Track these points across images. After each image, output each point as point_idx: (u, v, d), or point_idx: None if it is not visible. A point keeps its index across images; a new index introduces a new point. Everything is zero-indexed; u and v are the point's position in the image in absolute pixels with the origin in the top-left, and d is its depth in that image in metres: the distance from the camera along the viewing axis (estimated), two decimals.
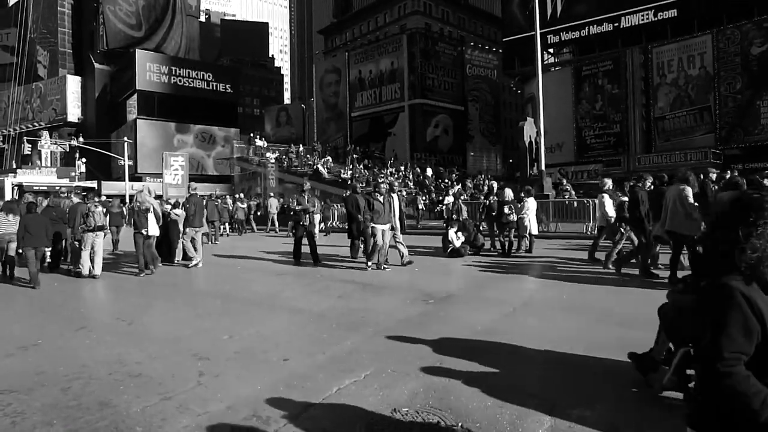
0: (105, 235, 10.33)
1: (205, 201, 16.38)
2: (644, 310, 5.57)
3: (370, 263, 9.35)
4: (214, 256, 12.76)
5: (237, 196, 24.39)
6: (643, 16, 35.38)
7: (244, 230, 22.33)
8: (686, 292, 3.22)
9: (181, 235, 11.24)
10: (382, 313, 5.89)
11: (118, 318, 5.97)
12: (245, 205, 22.83)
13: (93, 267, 9.64)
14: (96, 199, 10.90)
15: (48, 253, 10.64)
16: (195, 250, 10.84)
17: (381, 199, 9.46)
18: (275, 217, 20.44)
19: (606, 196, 9.39)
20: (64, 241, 11.30)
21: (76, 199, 11.36)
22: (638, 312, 5.53)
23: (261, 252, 13.37)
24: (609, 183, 9.69)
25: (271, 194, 25.49)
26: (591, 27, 37.52)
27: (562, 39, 40.14)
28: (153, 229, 9.97)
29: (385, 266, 9.25)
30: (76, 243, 10.02)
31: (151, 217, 9.94)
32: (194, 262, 10.70)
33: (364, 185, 29.17)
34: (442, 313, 5.84)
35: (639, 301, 6.10)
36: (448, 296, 6.76)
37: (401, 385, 3.62)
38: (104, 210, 10.71)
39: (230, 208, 21.44)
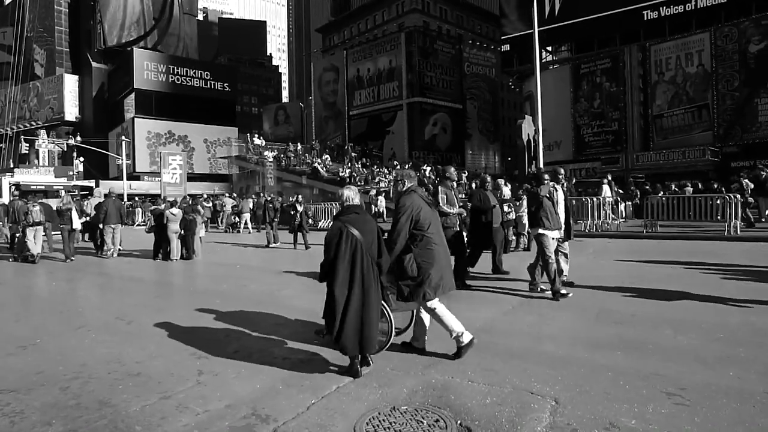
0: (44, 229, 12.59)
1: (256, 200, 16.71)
2: (642, 309, 5.60)
3: (543, 286, 6.59)
4: (211, 255, 12.75)
5: (205, 195, 25.80)
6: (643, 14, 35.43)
7: (209, 228, 24.25)
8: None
9: (103, 230, 12.94)
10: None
11: (117, 317, 5.96)
12: (210, 204, 24.53)
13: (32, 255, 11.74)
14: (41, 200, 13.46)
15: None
16: (111, 241, 12.77)
17: (552, 193, 6.61)
18: (229, 215, 23.23)
19: None
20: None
21: (67, 199, 13.19)
22: (637, 311, 5.55)
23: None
24: None
25: (226, 194, 28.68)
26: (589, 24, 37.53)
27: (561, 37, 40.16)
28: (75, 223, 12.31)
29: (564, 291, 6.26)
30: (19, 235, 12.21)
31: (74, 214, 12.22)
32: (109, 253, 12.59)
33: (362, 184, 29.21)
34: None
35: (637, 300, 6.12)
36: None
37: (400, 383, 3.62)
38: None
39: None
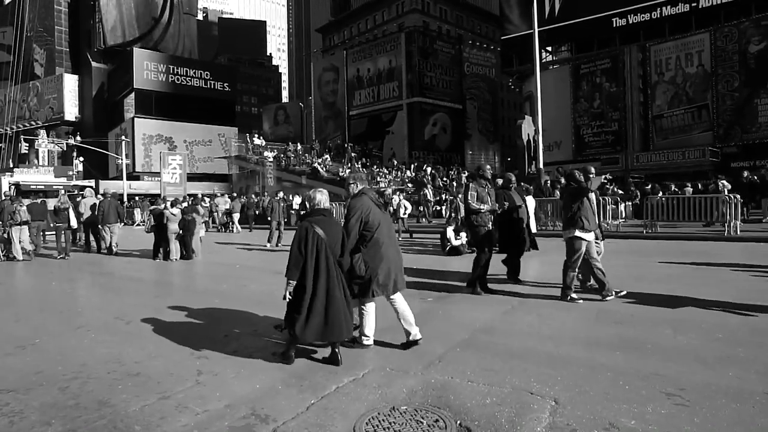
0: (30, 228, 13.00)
1: (273, 200, 17.35)
2: (642, 309, 5.60)
3: (611, 295, 6.05)
4: (211, 255, 12.75)
5: (200, 195, 26.26)
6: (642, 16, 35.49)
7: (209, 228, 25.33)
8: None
9: (101, 230, 13.55)
10: (380, 311, 5.86)
11: (117, 317, 5.96)
12: (207, 204, 24.86)
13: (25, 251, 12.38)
14: (22, 199, 13.80)
15: None
16: (112, 240, 13.38)
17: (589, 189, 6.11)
18: (221, 215, 23.84)
19: None
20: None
21: (64, 198, 13.83)
22: (636, 311, 5.55)
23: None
24: None
25: (218, 194, 29.94)
26: (589, 25, 37.53)
27: (561, 37, 40.14)
28: (73, 222, 12.92)
29: (575, 296, 6.13)
30: (5, 235, 12.48)
31: (71, 213, 12.90)
32: (114, 250, 13.21)
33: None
34: (440, 311, 5.84)
35: (637, 300, 6.12)
36: (446, 294, 6.76)
37: (400, 384, 3.62)
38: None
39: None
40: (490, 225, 6.76)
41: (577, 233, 5.93)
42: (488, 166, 7.41)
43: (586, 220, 5.88)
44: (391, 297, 4.42)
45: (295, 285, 3.97)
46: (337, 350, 4.04)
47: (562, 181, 20.40)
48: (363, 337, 4.46)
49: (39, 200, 15.34)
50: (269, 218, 15.51)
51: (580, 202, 5.94)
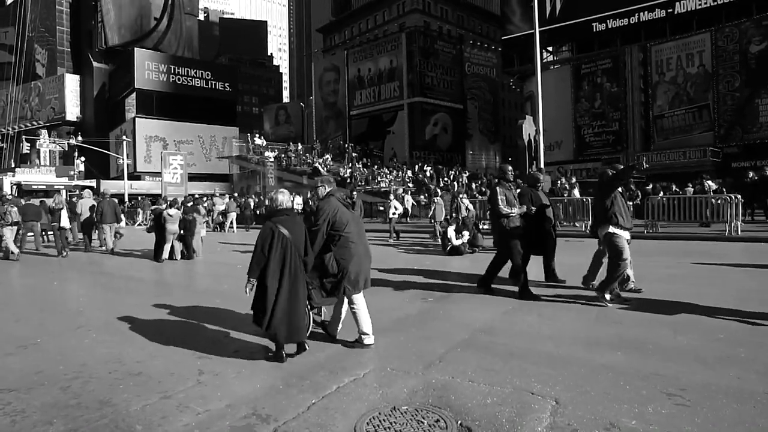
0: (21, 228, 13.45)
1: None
2: (642, 309, 5.59)
3: (608, 295, 5.87)
4: (212, 255, 12.76)
5: (196, 195, 26.33)
6: (642, 15, 35.49)
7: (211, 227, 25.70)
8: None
9: (99, 229, 13.87)
10: (381, 311, 5.87)
11: (117, 317, 5.96)
12: (206, 204, 25.16)
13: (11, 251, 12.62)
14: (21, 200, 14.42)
15: None
16: (107, 239, 13.62)
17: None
18: (217, 214, 24.01)
19: None
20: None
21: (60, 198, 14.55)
22: (636, 311, 5.55)
23: None
24: None
25: (218, 194, 30.21)
26: (590, 25, 37.49)
27: (561, 37, 40.10)
28: (64, 222, 13.23)
29: (607, 297, 5.86)
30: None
31: (64, 213, 13.22)
32: (110, 245, 13.43)
33: (363, 184, 29.19)
34: (441, 311, 5.84)
35: (637, 300, 6.12)
36: (447, 294, 6.76)
37: (401, 384, 3.63)
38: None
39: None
40: (515, 220, 6.50)
41: (612, 229, 5.62)
42: (510, 168, 7.11)
43: (620, 217, 5.60)
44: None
45: (258, 284, 4.08)
46: (303, 342, 4.26)
47: (563, 180, 20.41)
48: (363, 336, 4.47)
49: (38, 201, 15.44)
50: None
51: (613, 197, 5.63)
